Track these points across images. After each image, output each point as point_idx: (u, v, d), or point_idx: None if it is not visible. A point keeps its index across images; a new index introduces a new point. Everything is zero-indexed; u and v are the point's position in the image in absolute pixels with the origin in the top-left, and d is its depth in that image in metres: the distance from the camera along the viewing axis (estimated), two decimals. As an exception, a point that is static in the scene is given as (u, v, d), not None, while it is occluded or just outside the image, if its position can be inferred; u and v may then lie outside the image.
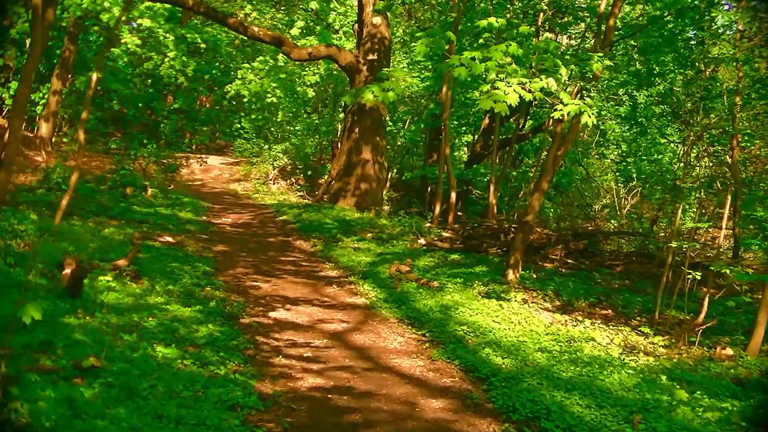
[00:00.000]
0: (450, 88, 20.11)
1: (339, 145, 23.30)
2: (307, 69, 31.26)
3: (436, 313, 10.20)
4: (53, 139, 27.36)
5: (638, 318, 11.39)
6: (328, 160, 33.43)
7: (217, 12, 22.00)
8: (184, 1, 21.06)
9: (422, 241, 17.33)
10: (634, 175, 29.08)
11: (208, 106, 45.10)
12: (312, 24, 33.30)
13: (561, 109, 10.13)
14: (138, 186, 21.46)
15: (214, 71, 40.24)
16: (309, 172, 31.19)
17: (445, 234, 17.44)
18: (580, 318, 10.91)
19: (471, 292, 11.81)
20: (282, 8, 40.34)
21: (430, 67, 30.74)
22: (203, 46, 34.03)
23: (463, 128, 34.20)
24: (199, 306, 9.38)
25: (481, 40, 12.00)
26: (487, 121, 30.11)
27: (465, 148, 37.26)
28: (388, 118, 27.03)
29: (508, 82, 9.73)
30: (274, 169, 30.27)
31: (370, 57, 22.43)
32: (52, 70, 27.43)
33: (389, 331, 9.67)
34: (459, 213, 33.05)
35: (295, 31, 29.78)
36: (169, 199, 21.56)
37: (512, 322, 9.88)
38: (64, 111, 27.08)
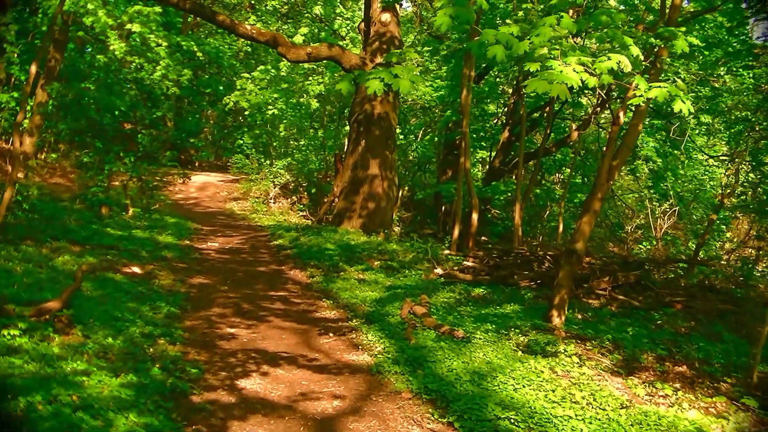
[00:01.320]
0: (470, 92, 17.49)
1: (344, 160, 20.63)
2: (311, 78, 28.78)
3: (465, 384, 7.45)
4: (43, 156, 24.96)
5: (728, 379, 8.65)
6: (333, 177, 30.85)
7: (204, 8, 19.59)
8: (169, -3, 18.61)
9: (439, 270, 14.71)
10: (671, 193, 26.33)
11: (211, 122, 42.82)
12: (316, 30, 30.83)
13: (641, 95, 7.45)
14: (114, 205, 18.94)
15: (215, 85, 37.97)
16: (313, 190, 28.63)
17: (467, 263, 14.78)
18: (652, 379, 8.25)
19: (508, 344, 9.15)
20: (288, 20, 37.99)
21: (444, 75, 28.26)
22: (201, 56, 31.57)
23: (481, 143, 31.64)
24: (134, 376, 6.71)
25: (520, 13, 9.24)
26: (506, 134, 27.63)
27: (480, 165, 34.63)
28: (398, 130, 24.41)
29: (565, 61, 7.12)
30: (275, 187, 27.71)
31: (378, 59, 19.87)
32: (36, 79, 24.96)
33: (400, 414, 6.91)
34: (481, 237, 30.51)
35: (298, 39, 27.26)
36: (152, 220, 19.01)
37: (576, 402, 7.10)
38: (62, 127, 24.60)
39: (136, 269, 12.66)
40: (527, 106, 30.14)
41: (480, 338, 9.36)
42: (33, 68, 12.47)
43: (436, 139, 30.43)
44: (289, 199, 27.83)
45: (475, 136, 31.65)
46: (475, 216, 17.19)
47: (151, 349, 7.89)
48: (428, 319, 10.01)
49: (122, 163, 17.88)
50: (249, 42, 42.93)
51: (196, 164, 40.13)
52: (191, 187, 30.23)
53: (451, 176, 29.66)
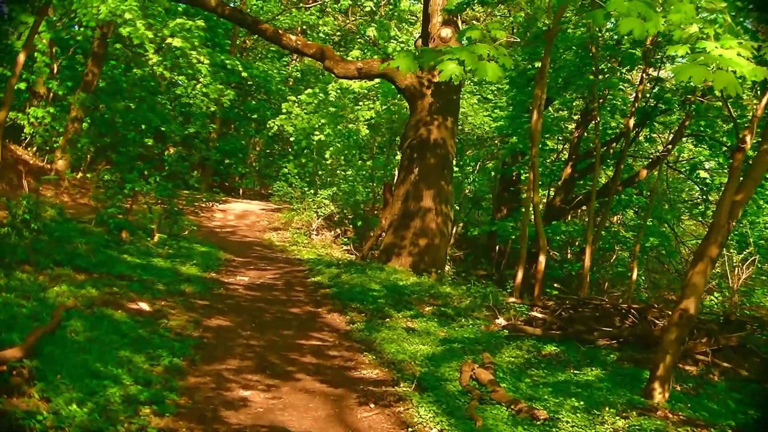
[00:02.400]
0: (541, 116, 15.29)
1: (394, 190, 18.55)
2: (361, 103, 26.88)
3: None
4: (78, 174, 23.33)
5: None
6: (381, 208, 28.83)
7: (245, 15, 17.77)
8: (205, 1, 16.75)
9: (501, 321, 12.50)
10: (751, 240, 23.79)
11: (257, 149, 41.24)
12: (369, 54, 28.97)
13: None
14: (138, 229, 17.10)
15: (263, 111, 36.38)
16: (359, 223, 26.59)
17: (535, 313, 12.53)
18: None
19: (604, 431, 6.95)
20: (341, 48, 36.36)
21: (503, 104, 26.21)
22: (245, 75, 29.96)
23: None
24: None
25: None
26: (569, 170, 25.48)
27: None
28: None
29: (722, 45, 4.99)
30: (318, 218, 25.69)
31: (437, 78, 17.83)
32: (72, 94, 23.38)
33: None
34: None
35: (349, 61, 25.48)
36: (178, 248, 17.10)
37: None
38: (83, 142, 22.92)
39: (144, 305, 10.67)
40: (590, 141, 28.01)
41: (567, 420, 7.15)
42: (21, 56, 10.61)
43: (492, 173, 28.32)
44: (332, 232, 25.83)
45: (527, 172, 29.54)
46: (542, 259, 14.95)
47: (126, 425, 5.81)
48: (497, 390, 7.80)
49: (146, 183, 15.96)
50: (299, 68, 41.66)
51: (240, 192, 38.50)
52: (230, 214, 28.42)
53: (507, 213, 27.53)
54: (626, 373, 9.72)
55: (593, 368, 9.83)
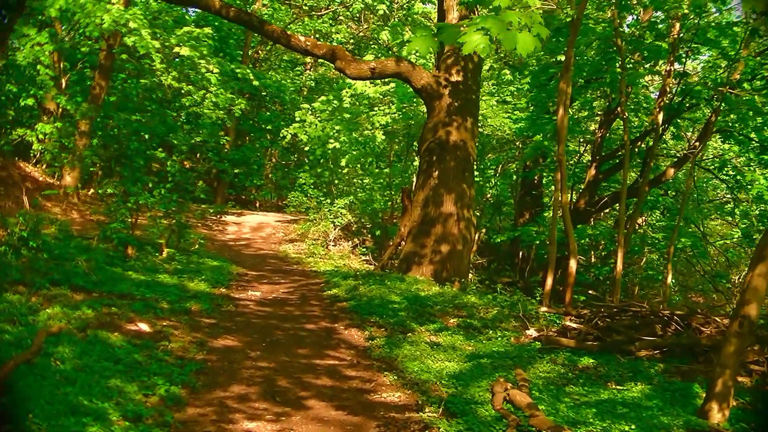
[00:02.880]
0: (566, 112, 14.37)
1: (412, 196, 17.63)
2: (376, 108, 26.00)
3: None
4: (90, 191, 22.56)
5: None
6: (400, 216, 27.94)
7: (251, 17, 16.93)
8: (210, 3, 15.93)
9: (532, 332, 11.59)
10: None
11: (273, 161, 40.50)
12: (383, 57, 28.09)
13: None
14: (146, 245, 16.30)
15: (277, 122, 35.64)
16: (377, 232, 25.70)
17: (568, 323, 11.56)
18: None
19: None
20: (355, 54, 35.52)
21: (523, 105, 25.31)
22: (256, 83, 29.17)
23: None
24: None
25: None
26: (593, 171, 24.58)
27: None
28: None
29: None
30: (335, 228, 24.78)
31: (454, 77, 16.95)
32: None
33: None
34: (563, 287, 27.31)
35: (362, 65, 24.63)
36: (188, 263, 16.30)
37: None
38: (86, 154, 22.12)
39: (144, 326, 9.82)
40: (612, 142, 27.04)
41: (620, 450, 6.23)
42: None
43: (514, 177, 27.39)
44: (350, 242, 24.92)
45: (550, 176, 28.59)
46: (573, 264, 14.01)
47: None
48: (536, 415, 6.84)
49: (150, 196, 15.12)
50: (313, 77, 40.90)
51: (257, 204, 37.74)
52: (245, 227, 27.58)
53: (530, 218, 26.63)
54: (675, 388, 8.79)
55: (637, 383, 8.91)
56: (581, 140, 28.09)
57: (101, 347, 8.23)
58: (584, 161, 27.67)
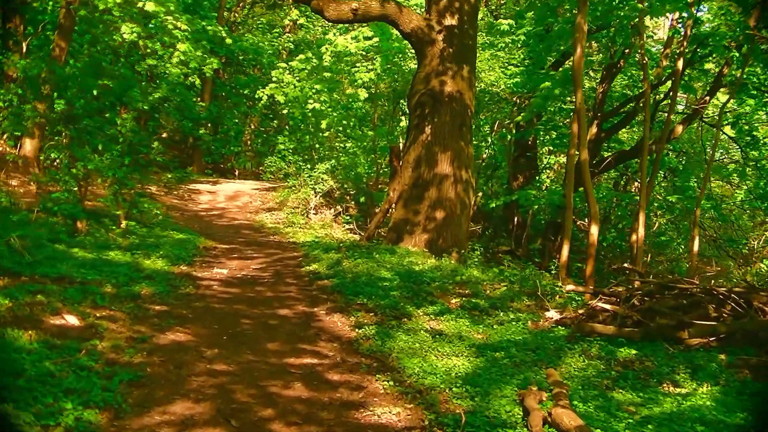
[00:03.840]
0: (583, 51, 12.32)
1: (402, 156, 15.54)
2: (359, 65, 23.85)
3: None
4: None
5: None
6: (387, 183, 25.86)
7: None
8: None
9: (553, 314, 9.63)
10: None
11: (253, 127, 38.30)
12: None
13: None
14: (98, 218, 14.22)
15: (254, 84, 33.47)
16: (362, 198, 23.63)
17: (600, 303, 9.49)
18: None
19: None
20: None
21: (517, 60, 23.24)
22: (229, 42, 26.95)
23: (555, 143, 26.57)
24: None
25: None
26: (594, 129, 22.58)
27: (548, 171, 29.53)
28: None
29: None
30: (316, 195, 22.70)
31: (448, 21, 14.80)
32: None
33: None
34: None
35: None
36: (150, 236, 14.25)
37: None
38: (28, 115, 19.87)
39: (72, 319, 7.78)
40: (613, 98, 25.07)
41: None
42: None
43: (509, 137, 25.36)
44: (332, 210, 22.88)
45: (549, 137, 26.61)
46: (595, 231, 12.02)
47: None
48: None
49: (99, 161, 12.92)
50: (291, 39, 38.58)
51: (236, 173, 35.61)
52: (220, 195, 25.53)
53: (525, 182, 24.65)
54: (747, 387, 6.83)
55: (701, 383, 6.94)
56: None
57: (10, 350, 6.23)
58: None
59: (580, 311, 9.45)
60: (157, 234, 14.91)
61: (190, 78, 23.18)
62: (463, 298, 10.55)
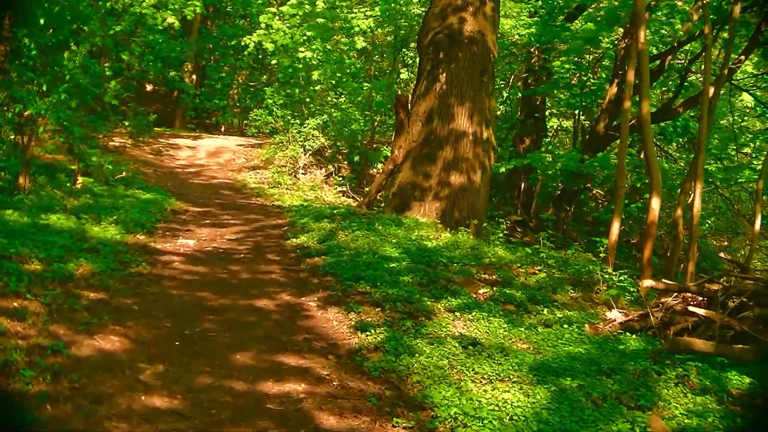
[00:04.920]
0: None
1: (411, 107, 13.09)
2: (356, 10, 21.38)
3: None
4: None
5: None
6: (383, 141, 23.47)
7: None
8: None
9: (616, 315, 7.36)
10: None
11: (241, 80, 35.70)
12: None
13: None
14: (53, 173, 11.85)
15: (241, 37, 30.84)
16: (356, 158, 21.23)
17: (675, 302, 7.13)
18: None
19: None
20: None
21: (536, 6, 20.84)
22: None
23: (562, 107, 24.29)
24: None
25: None
26: (614, 89, 20.31)
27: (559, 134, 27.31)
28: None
29: None
30: (305, 153, 20.27)
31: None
32: None
33: None
34: (584, 227, 23.10)
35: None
36: (108, 196, 11.89)
37: None
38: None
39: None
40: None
41: None
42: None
43: (519, 95, 22.99)
44: (323, 170, 20.52)
45: (562, 96, 24.20)
46: (656, 205, 9.64)
47: None
48: None
49: (42, 103, 10.42)
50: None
51: (222, 129, 33.12)
52: (200, 151, 23.08)
53: (532, 145, 22.30)
54: None
55: None
56: (597, 52, 23.47)
57: None
58: (600, 77, 23.24)
59: (654, 310, 7.10)
60: (119, 193, 12.60)
61: (167, 20, 20.58)
62: (492, 288, 8.23)
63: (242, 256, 9.45)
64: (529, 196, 22.76)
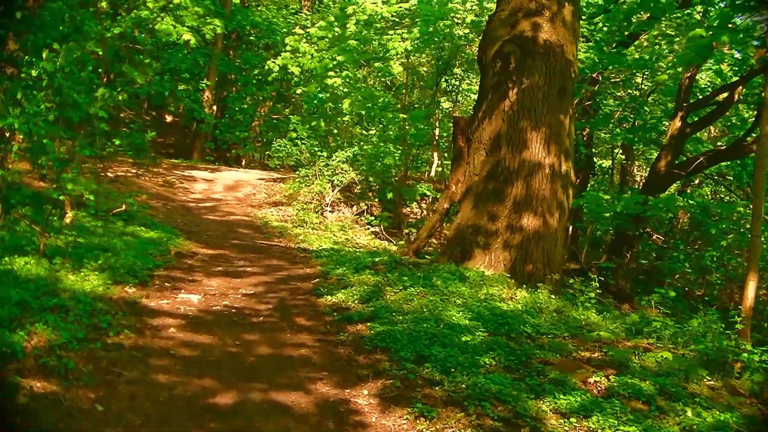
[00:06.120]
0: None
1: (472, 132, 10.73)
2: (391, 33, 19.35)
3: None
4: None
5: None
6: (416, 178, 21.31)
7: None
8: None
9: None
10: None
11: (264, 111, 33.77)
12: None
13: None
14: (40, 204, 9.64)
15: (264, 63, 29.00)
16: (389, 195, 18.97)
17: None
18: None
19: None
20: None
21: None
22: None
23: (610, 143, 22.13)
24: None
25: None
26: (678, 123, 18.20)
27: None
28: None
29: None
30: (333, 189, 18.04)
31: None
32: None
33: None
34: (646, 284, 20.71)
35: None
36: (102, 234, 9.74)
37: None
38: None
39: None
40: (701, 90, 20.47)
41: None
42: None
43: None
44: (353, 208, 18.33)
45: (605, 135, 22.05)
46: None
47: None
48: None
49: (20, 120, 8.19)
50: (309, 18, 34.22)
51: (243, 162, 31.18)
52: (218, 184, 20.98)
53: (578, 184, 19.87)
54: None
55: None
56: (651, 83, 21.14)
57: None
58: (658, 111, 21.05)
59: None
60: (117, 230, 10.45)
61: (184, 36, 18.63)
62: (606, 374, 5.92)
63: (262, 319, 7.14)
64: (573, 240, 20.39)
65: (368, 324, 6.89)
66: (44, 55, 7.82)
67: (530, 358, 6.17)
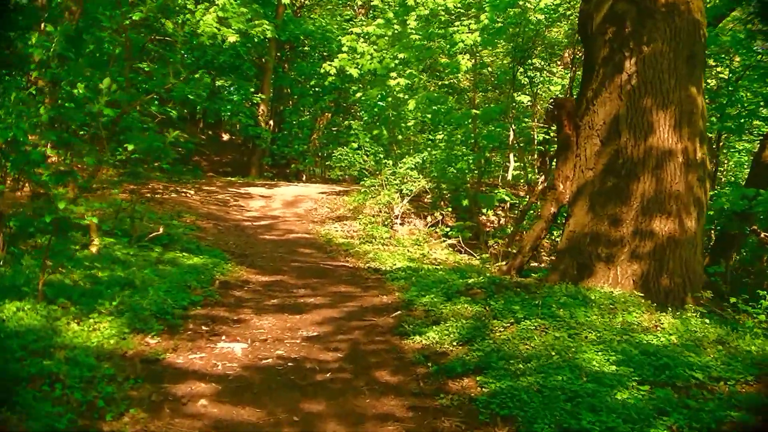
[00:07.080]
0: None
1: (581, 117, 8.62)
2: (457, 25, 17.42)
3: None
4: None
5: None
6: (489, 184, 19.42)
7: None
8: None
9: None
10: None
11: (322, 125, 32.32)
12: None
13: None
14: (67, 230, 8.16)
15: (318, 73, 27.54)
16: (464, 202, 17.03)
17: None
18: None
19: None
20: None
21: None
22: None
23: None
24: None
25: None
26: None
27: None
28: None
29: None
30: (402, 199, 16.15)
31: None
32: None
33: None
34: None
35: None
36: (133, 263, 8.07)
37: None
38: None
39: None
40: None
41: None
42: None
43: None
44: (427, 219, 16.50)
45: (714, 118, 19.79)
46: None
47: None
48: None
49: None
50: (366, 23, 32.73)
51: (303, 178, 29.74)
52: (276, 201, 19.38)
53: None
54: None
55: None
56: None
57: None
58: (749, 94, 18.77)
59: None
60: (151, 258, 8.73)
61: (229, 39, 17.04)
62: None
63: (329, 375, 5.22)
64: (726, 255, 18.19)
65: (477, 378, 4.96)
66: (33, 39, 6.06)
67: (721, 423, 4.20)
